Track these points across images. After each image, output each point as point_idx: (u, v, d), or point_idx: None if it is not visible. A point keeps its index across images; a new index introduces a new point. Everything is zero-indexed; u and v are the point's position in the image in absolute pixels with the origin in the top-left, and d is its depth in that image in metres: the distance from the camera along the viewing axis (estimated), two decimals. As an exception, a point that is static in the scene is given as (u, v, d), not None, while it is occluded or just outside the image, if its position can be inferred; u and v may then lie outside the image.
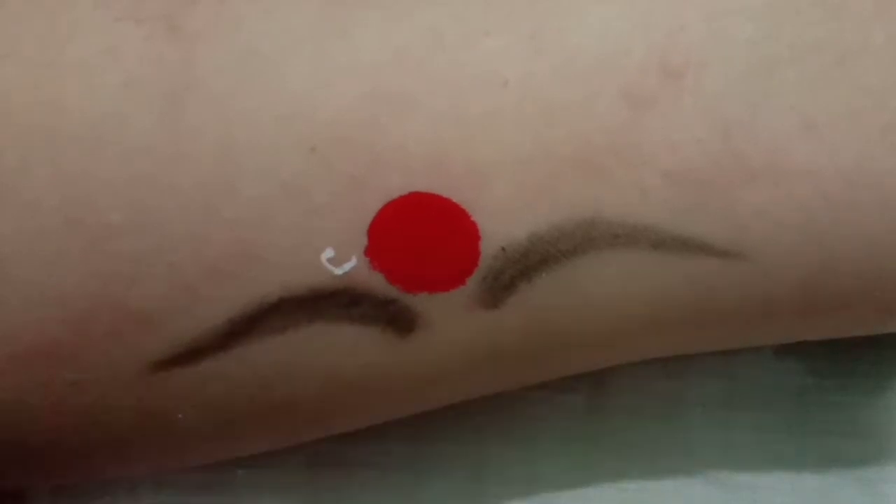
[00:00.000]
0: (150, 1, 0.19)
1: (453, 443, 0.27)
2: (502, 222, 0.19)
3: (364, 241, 0.19)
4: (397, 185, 0.19)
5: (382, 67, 0.19)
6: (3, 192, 0.18)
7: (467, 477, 0.27)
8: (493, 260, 0.19)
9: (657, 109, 0.19)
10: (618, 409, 0.27)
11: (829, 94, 0.19)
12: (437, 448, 0.27)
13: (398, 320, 0.20)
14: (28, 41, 0.19)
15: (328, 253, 0.19)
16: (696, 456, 0.27)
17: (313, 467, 0.27)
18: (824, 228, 0.20)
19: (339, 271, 0.19)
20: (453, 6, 0.19)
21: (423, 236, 0.19)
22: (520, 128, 0.19)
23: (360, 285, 0.19)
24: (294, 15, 0.19)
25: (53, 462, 0.22)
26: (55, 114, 0.19)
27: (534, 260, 0.19)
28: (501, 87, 0.19)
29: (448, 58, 0.19)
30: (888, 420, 0.27)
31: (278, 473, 0.27)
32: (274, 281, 0.19)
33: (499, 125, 0.19)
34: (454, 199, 0.19)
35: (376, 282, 0.19)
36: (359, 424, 0.24)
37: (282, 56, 0.19)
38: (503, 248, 0.19)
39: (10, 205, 0.18)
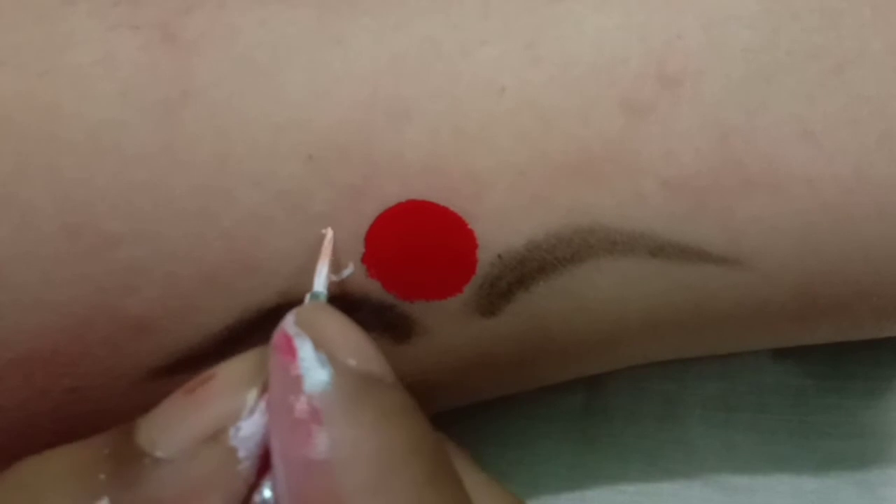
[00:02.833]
0: (146, 9, 0.19)
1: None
2: (499, 230, 0.19)
3: (361, 248, 0.19)
4: (395, 193, 0.19)
5: (379, 75, 0.19)
6: (0, 198, 0.18)
7: (466, 478, 0.27)
8: (490, 267, 0.19)
9: (655, 117, 0.19)
10: (616, 411, 0.27)
11: (827, 101, 0.19)
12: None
13: (395, 327, 0.20)
14: (24, 49, 0.19)
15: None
16: (694, 458, 0.27)
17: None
18: (822, 235, 0.20)
19: (335, 279, 0.19)
20: (450, 15, 0.19)
21: (420, 244, 0.19)
22: (517, 135, 0.19)
23: (358, 292, 0.19)
24: (290, 23, 0.19)
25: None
26: (52, 121, 0.19)
27: (531, 268, 0.19)
28: (498, 94, 0.19)
29: (445, 66, 0.19)
30: (887, 422, 0.27)
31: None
32: (271, 288, 0.19)
33: (496, 133, 0.19)
34: (451, 207, 0.19)
35: (373, 289, 0.19)
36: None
37: (278, 64, 0.19)
38: (500, 256, 0.19)
39: (8, 211, 0.18)
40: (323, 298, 0.18)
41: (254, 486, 0.16)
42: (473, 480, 0.17)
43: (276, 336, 0.16)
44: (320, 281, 0.18)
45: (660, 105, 0.19)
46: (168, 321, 0.19)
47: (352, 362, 0.16)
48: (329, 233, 0.19)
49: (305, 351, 0.16)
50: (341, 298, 0.19)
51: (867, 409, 0.27)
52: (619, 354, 0.22)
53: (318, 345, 0.16)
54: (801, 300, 0.20)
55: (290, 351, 0.16)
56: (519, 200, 0.19)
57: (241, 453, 0.16)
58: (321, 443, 0.15)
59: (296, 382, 0.15)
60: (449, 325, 0.20)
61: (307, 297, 0.18)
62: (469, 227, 0.19)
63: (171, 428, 0.16)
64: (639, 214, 0.19)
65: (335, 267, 0.19)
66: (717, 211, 0.19)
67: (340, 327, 0.16)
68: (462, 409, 0.24)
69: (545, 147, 0.19)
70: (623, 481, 0.27)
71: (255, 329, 0.19)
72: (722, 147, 0.19)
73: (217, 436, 0.16)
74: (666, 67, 0.19)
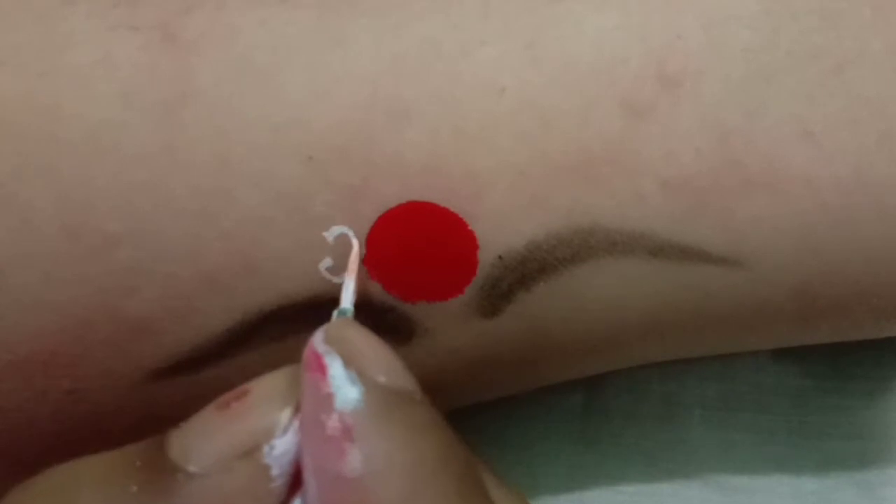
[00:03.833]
0: (145, 10, 0.19)
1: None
2: (500, 231, 0.19)
3: (362, 250, 0.19)
4: (394, 194, 0.19)
5: (379, 76, 0.19)
6: (0, 198, 0.18)
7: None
8: (490, 268, 0.19)
9: (655, 117, 0.19)
10: (615, 411, 0.27)
11: (827, 102, 0.19)
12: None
13: (397, 329, 0.20)
14: (24, 49, 0.19)
15: (326, 262, 0.19)
16: (694, 458, 0.27)
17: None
18: (821, 236, 0.20)
19: (337, 280, 0.19)
20: (450, 15, 0.19)
21: (420, 245, 0.19)
22: (517, 136, 0.19)
23: (359, 294, 0.19)
24: (290, 24, 0.19)
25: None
26: (52, 121, 0.19)
27: (531, 268, 0.19)
28: (498, 95, 0.19)
29: (445, 66, 0.19)
30: (887, 423, 0.27)
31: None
32: (272, 290, 0.19)
33: (496, 133, 0.19)
34: (451, 208, 0.19)
35: (374, 291, 0.19)
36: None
37: (278, 65, 0.19)
38: (500, 257, 0.19)
39: (8, 211, 0.18)
40: (350, 315, 0.18)
41: None
42: (497, 494, 0.17)
43: (306, 353, 0.16)
44: (347, 297, 0.18)
45: (660, 105, 0.19)
46: (168, 322, 0.19)
47: (381, 379, 0.16)
48: (355, 245, 0.19)
49: (335, 368, 0.16)
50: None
51: (867, 409, 0.27)
52: (620, 354, 0.22)
53: (348, 362, 0.16)
54: (800, 300, 0.20)
55: (320, 369, 0.16)
56: (519, 201, 0.19)
57: (275, 471, 0.16)
58: (353, 459, 0.15)
59: (327, 400, 0.15)
60: (450, 327, 0.20)
61: (335, 314, 0.18)
62: (469, 227, 0.19)
63: (205, 443, 0.16)
64: (639, 215, 0.19)
65: (336, 270, 0.19)
66: (717, 211, 0.19)
67: (369, 344, 0.16)
68: (462, 410, 0.24)
69: (545, 147, 0.19)
70: (622, 482, 0.27)
71: (255, 331, 0.19)
72: (722, 147, 0.19)
73: (251, 453, 0.16)
74: (666, 68, 0.19)
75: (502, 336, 0.20)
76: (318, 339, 0.16)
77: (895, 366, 0.27)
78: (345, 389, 0.15)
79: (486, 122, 0.19)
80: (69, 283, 0.19)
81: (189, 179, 0.19)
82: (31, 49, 0.19)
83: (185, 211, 0.19)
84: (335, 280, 0.19)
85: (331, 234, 0.19)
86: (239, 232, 0.19)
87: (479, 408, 0.24)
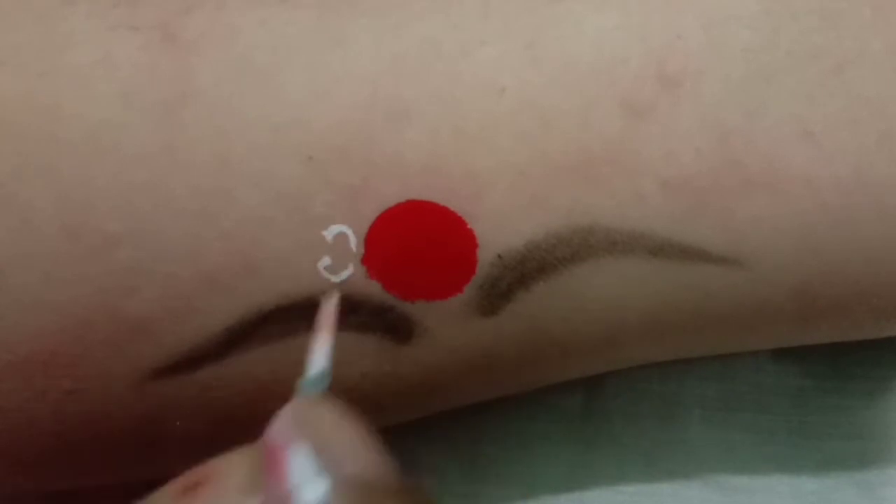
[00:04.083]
0: (145, 10, 0.19)
1: (450, 445, 0.27)
2: (499, 230, 0.19)
3: (361, 249, 0.19)
4: (394, 194, 0.19)
5: (379, 76, 0.19)
6: (0, 198, 0.18)
7: (464, 479, 0.27)
8: (490, 268, 0.19)
9: (655, 117, 0.19)
10: (615, 412, 0.27)
11: (827, 102, 0.19)
12: (434, 449, 0.27)
13: (396, 328, 0.20)
14: (24, 49, 0.19)
15: (325, 261, 0.19)
16: (693, 458, 0.27)
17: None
18: (821, 236, 0.20)
19: (336, 279, 0.19)
20: (450, 15, 0.19)
21: (420, 244, 0.19)
22: (517, 136, 0.19)
23: (358, 293, 0.19)
24: (290, 24, 0.19)
25: (50, 468, 0.22)
26: (52, 121, 0.19)
27: (531, 268, 0.19)
28: (498, 95, 0.19)
29: (445, 66, 0.19)
30: (887, 423, 0.27)
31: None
32: (271, 290, 0.19)
33: (495, 133, 0.19)
34: (451, 207, 0.19)
35: (374, 290, 0.19)
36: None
37: (278, 65, 0.19)
38: (500, 256, 0.19)
39: (8, 211, 0.18)
40: (325, 381, 0.17)
41: None
42: None
43: (265, 442, 0.15)
44: (319, 360, 0.17)
45: (660, 105, 0.19)
46: (168, 322, 0.19)
47: (350, 470, 0.15)
48: (332, 301, 0.18)
49: (298, 460, 0.14)
50: (342, 300, 0.19)
51: (867, 409, 0.27)
52: (619, 354, 0.22)
53: (315, 449, 0.14)
54: (800, 300, 0.20)
55: (279, 462, 0.14)
56: (519, 200, 0.19)
57: None
58: None
59: (286, 499, 0.14)
60: (449, 326, 0.20)
61: (301, 384, 0.17)
62: (469, 227, 0.19)
63: None
64: (638, 214, 0.19)
65: (335, 269, 0.19)
66: (717, 211, 0.19)
67: (338, 428, 0.15)
68: (462, 410, 0.24)
69: (545, 147, 0.19)
70: (622, 482, 0.27)
71: (255, 330, 0.19)
72: (722, 147, 0.19)
73: None
74: (666, 68, 0.19)
75: (502, 335, 0.20)
76: (280, 426, 0.15)
77: (895, 366, 0.27)
78: (308, 486, 0.14)
79: (486, 122, 0.19)
80: (69, 283, 0.19)
81: (189, 179, 0.19)
82: (31, 49, 0.19)
83: (185, 211, 0.19)
84: (334, 279, 0.19)
85: (330, 232, 0.19)
86: (239, 232, 0.19)
87: (479, 407, 0.24)
